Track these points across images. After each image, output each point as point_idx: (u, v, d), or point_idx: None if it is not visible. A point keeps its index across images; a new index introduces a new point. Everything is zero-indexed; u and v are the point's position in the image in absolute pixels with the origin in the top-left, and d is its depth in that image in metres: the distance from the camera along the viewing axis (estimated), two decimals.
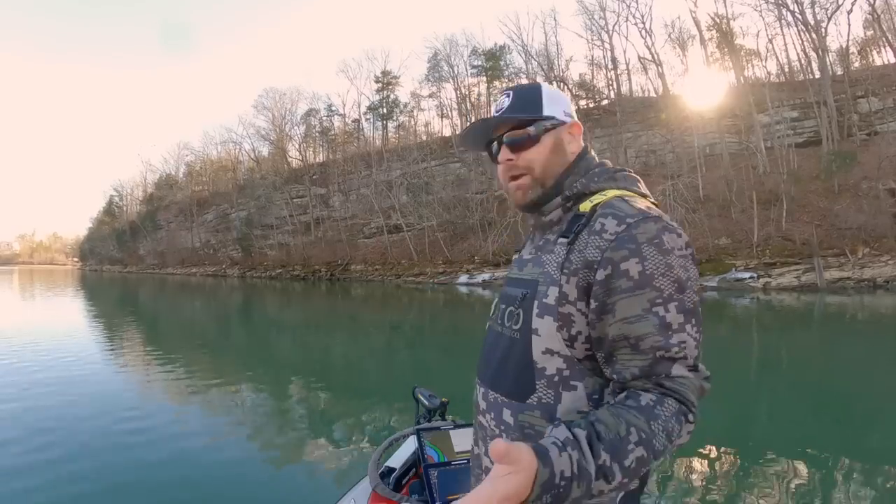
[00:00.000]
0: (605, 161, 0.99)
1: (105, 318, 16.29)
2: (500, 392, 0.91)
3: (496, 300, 1.02)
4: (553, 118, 0.94)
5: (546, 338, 0.84)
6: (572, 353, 0.83)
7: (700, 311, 0.80)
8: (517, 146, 0.94)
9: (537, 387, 0.85)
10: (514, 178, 0.95)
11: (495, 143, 0.97)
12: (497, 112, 0.96)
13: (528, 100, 0.95)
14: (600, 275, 0.79)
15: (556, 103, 0.96)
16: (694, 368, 0.77)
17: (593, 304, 0.80)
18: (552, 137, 0.94)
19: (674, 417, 0.72)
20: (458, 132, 43.72)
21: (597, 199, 0.88)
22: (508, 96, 0.96)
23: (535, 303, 0.86)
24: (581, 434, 0.68)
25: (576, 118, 0.98)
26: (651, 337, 0.75)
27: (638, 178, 0.96)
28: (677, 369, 0.75)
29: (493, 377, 0.93)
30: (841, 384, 6.46)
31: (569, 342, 0.83)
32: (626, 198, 0.86)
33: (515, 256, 1.04)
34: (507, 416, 0.89)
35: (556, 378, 0.84)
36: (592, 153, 0.98)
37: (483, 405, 0.96)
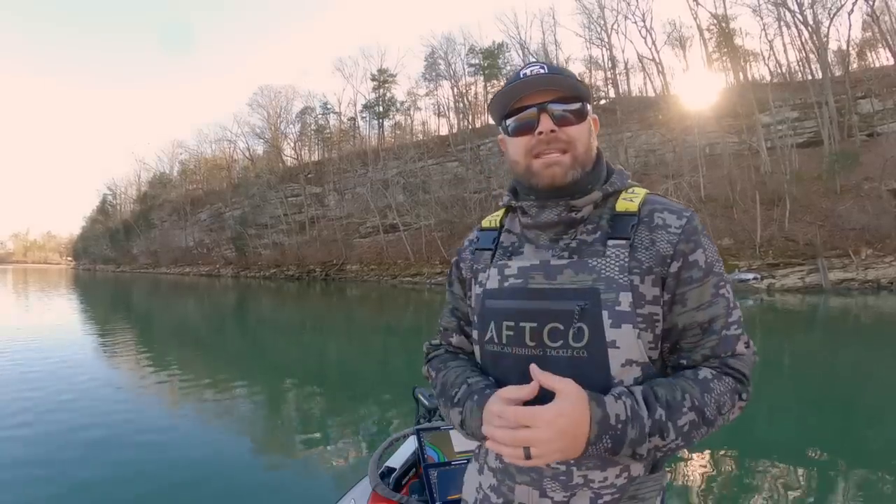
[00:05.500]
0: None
1: (98, 319, 16.05)
2: None
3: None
4: (588, 103, 0.88)
5: (626, 349, 0.78)
6: (650, 355, 0.81)
7: None
8: (563, 120, 0.84)
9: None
10: (548, 153, 0.84)
11: (533, 109, 0.84)
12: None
13: (571, 76, 0.86)
14: (674, 267, 0.80)
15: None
16: (748, 343, 0.83)
17: (666, 297, 0.81)
18: (589, 122, 0.88)
19: (727, 393, 0.78)
20: (454, 131, 43.68)
21: (637, 196, 0.85)
22: (543, 67, 0.85)
23: (605, 313, 0.78)
24: (637, 389, 0.75)
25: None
26: (721, 318, 0.81)
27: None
28: (740, 346, 0.81)
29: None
30: (844, 386, 6.46)
31: (653, 344, 0.81)
32: (651, 194, 0.87)
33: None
34: None
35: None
36: None
37: None
